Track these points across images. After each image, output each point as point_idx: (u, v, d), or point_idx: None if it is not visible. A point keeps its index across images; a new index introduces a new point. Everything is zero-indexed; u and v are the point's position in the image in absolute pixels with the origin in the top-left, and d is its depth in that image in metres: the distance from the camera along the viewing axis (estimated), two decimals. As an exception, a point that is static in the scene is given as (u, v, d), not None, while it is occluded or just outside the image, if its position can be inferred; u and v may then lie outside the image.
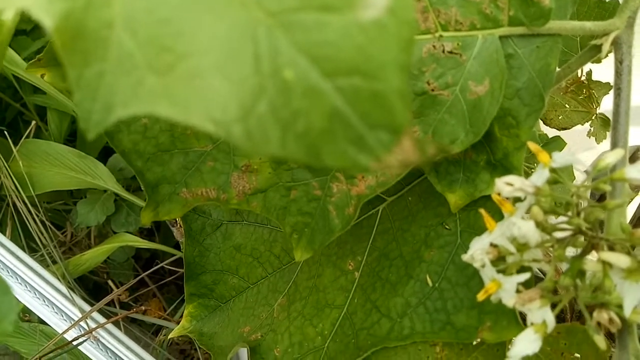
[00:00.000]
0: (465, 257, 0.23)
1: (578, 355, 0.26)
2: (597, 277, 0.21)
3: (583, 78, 0.42)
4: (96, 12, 0.10)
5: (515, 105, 0.25)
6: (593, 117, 0.43)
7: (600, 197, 0.34)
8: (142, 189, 0.26)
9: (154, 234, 0.95)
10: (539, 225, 0.21)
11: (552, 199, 0.22)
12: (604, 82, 0.42)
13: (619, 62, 0.25)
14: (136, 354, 0.73)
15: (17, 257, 0.71)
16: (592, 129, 0.44)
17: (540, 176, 0.21)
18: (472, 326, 0.26)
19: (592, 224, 0.21)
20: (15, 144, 0.76)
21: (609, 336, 0.28)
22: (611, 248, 0.21)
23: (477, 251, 0.23)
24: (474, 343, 0.27)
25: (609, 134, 0.51)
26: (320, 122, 0.10)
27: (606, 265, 0.21)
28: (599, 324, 0.21)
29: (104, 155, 0.83)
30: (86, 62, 0.10)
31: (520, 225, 0.20)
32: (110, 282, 0.94)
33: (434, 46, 0.23)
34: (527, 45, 0.24)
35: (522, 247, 0.22)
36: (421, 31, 0.23)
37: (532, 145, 0.21)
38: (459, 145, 0.24)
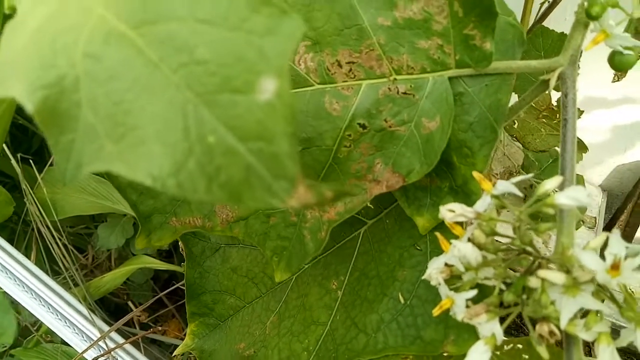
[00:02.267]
0: (425, 276, 0.26)
1: (539, 367, 0.28)
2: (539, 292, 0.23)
3: (554, 105, 0.44)
4: (68, 96, 0.13)
5: (469, 137, 0.27)
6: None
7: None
8: (136, 219, 0.29)
9: (172, 256, 0.98)
10: (482, 246, 0.23)
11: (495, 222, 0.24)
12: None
13: (564, 96, 0.27)
14: (154, 375, 0.75)
15: (41, 280, 0.75)
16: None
17: (483, 202, 0.24)
18: (438, 340, 0.28)
19: (529, 244, 0.23)
20: (40, 172, 0.81)
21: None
22: (552, 266, 0.23)
23: (434, 270, 0.25)
24: (444, 355, 0.29)
25: (585, 155, 0.53)
26: (238, 174, 0.13)
27: (545, 282, 0.23)
28: (541, 336, 0.23)
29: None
30: (61, 132, 0.14)
31: (460, 247, 0.22)
32: (130, 303, 0.97)
33: (389, 88, 0.26)
34: (476, 84, 0.27)
35: (471, 267, 0.24)
36: (377, 75, 0.26)
37: (476, 175, 0.24)
38: (415, 175, 0.26)
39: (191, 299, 0.42)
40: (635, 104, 0.98)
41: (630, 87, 0.93)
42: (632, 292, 0.22)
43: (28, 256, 0.86)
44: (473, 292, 0.24)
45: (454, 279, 0.26)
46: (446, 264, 0.25)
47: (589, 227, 0.99)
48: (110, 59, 0.13)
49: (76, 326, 0.78)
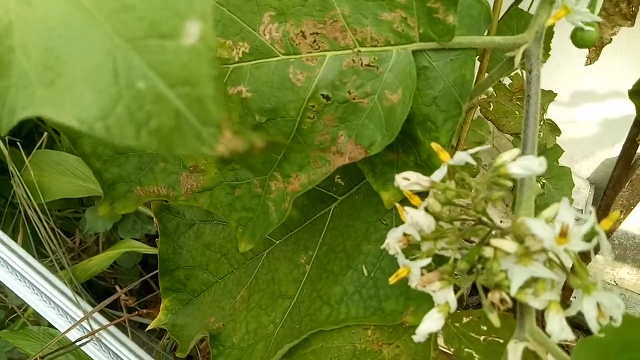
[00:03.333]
0: (383, 245, 0.26)
1: (498, 339, 0.29)
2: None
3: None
4: (2, 41, 0.13)
5: (433, 111, 0.28)
6: (541, 123, 0.45)
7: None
8: (100, 186, 0.29)
9: (160, 240, 0.98)
10: (437, 215, 0.24)
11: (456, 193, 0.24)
12: (547, 90, 0.44)
13: (528, 72, 0.28)
14: (138, 357, 0.76)
15: (27, 262, 0.75)
16: (541, 133, 0.46)
17: (440, 172, 0.24)
18: (399, 311, 0.29)
19: (483, 213, 0.23)
20: (28, 155, 0.81)
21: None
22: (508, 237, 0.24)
23: (392, 240, 0.26)
24: (404, 326, 0.29)
25: (558, 137, 0.53)
26: (169, 121, 0.13)
27: (498, 251, 0.23)
28: (493, 303, 0.23)
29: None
30: (-4, 78, 0.14)
31: (413, 215, 0.23)
32: (117, 287, 0.98)
33: (353, 60, 0.26)
34: (441, 58, 0.27)
35: (427, 236, 0.24)
36: (341, 47, 0.26)
37: (435, 145, 0.24)
38: (377, 147, 0.26)
39: (164, 274, 0.43)
40: (624, 98, 0.99)
41: (619, 81, 0.94)
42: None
43: (15, 239, 0.86)
44: (427, 261, 0.24)
45: (414, 250, 0.26)
46: (404, 234, 0.26)
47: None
48: (43, 4, 0.13)
49: (61, 308, 0.78)
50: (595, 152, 1.16)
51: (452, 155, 0.25)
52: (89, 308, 0.77)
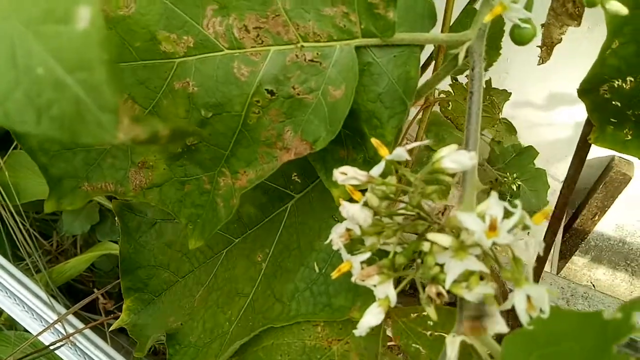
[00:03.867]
0: (327, 241, 0.26)
1: (444, 334, 0.29)
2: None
3: (484, 86, 0.45)
4: None
5: (378, 107, 0.28)
6: (497, 122, 0.46)
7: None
8: (46, 182, 0.29)
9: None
10: (375, 210, 0.24)
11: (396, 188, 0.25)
12: (501, 89, 0.45)
13: (471, 69, 0.28)
14: (113, 360, 0.75)
15: (1, 266, 0.74)
16: (498, 132, 0.46)
17: (378, 167, 0.24)
18: (347, 307, 0.29)
19: (418, 207, 0.24)
20: (2, 157, 0.80)
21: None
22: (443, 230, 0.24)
23: (335, 235, 0.26)
24: (353, 322, 0.29)
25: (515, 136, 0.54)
26: (70, 108, 0.13)
27: (434, 245, 0.23)
28: (429, 297, 0.24)
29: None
30: None
31: (348, 208, 0.23)
32: (96, 291, 0.97)
33: (296, 55, 0.26)
34: (384, 55, 0.27)
35: (367, 231, 0.25)
36: (284, 42, 0.26)
37: (374, 141, 0.24)
38: (321, 143, 0.27)
39: (126, 273, 0.42)
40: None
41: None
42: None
43: None
44: (367, 255, 0.24)
45: (358, 245, 0.26)
46: (347, 229, 0.26)
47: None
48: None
49: (35, 311, 0.77)
50: (570, 155, 1.17)
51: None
52: (64, 311, 0.76)
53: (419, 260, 0.25)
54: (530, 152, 0.93)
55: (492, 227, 0.22)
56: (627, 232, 1.26)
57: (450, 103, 0.45)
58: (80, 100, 0.13)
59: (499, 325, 0.23)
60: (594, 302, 0.59)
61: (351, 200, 0.32)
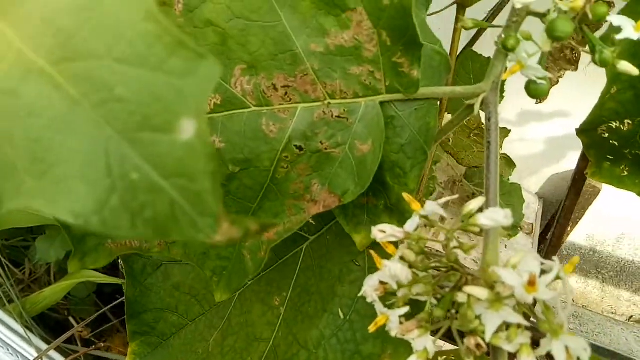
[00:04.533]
0: (361, 293, 0.27)
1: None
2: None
3: (483, 124, 0.47)
4: (-16, 132, 0.13)
5: (401, 158, 0.29)
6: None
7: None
8: (69, 241, 0.28)
9: (116, 268, 0.95)
10: (412, 265, 0.24)
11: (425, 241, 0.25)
12: (501, 127, 0.47)
13: (487, 120, 0.29)
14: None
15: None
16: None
17: (412, 222, 0.25)
18: (376, 354, 0.29)
19: (455, 263, 0.24)
20: None
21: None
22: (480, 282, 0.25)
23: (369, 288, 0.26)
24: (381, 369, 0.30)
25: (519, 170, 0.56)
26: (164, 210, 0.13)
27: (471, 297, 0.24)
28: (468, 348, 0.24)
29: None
30: (-21, 168, 0.13)
31: (391, 267, 0.23)
32: (71, 319, 0.93)
33: (324, 112, 0.27)
34: (406, 108, 0.28)
35: (403, 284, 0.25)
36: (312, 99, 0.27)
37: (406, 196, 0.25)
38: (350, 196, 0.27)
39: (132, 318, 0.42)
40: (568, 117, 1.04)
41: (562, 102, 0.99)
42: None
43: None
44: (405, 309, 0.25)
45: (389, 296, 0.27)
46: (380, 282, 0.26)
47: (527, 233, 1.05)
48: (29, 95, 0.13)
49: (10, 346, 0.74)
50: (541, 169, 1.22)
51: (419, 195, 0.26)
52: (42, 344, 0.73)
53: (453, 311, 0.26)
54: (505, 169, 0.96)
55: (532, 283, 0.22)
56: (597, 242, 1.31)
57: (450, 139, 0.47)
58: (175, 204, 0.13)
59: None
60: (584, 320, 0.62)
61: (374, 246, 0.32)
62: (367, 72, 0.26)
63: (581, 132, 0.36)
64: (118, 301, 0.89)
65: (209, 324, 0.39)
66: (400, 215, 0.30)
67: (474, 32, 0.51)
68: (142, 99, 0.13)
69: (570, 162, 1.15)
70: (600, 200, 1.23)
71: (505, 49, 0.26)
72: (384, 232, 0.24)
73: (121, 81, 0.13)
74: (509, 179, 1.04)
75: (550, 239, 0.45)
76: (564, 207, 0.43)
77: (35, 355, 0.69)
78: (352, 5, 0.24)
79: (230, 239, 0.13)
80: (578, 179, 0.42)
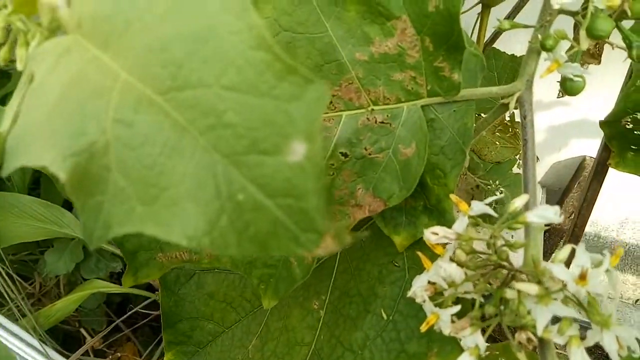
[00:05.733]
0: (409, 294, 0.27)
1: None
2: (516, 303, 0.25)
3: (507, 120, 0.48)
4: (97, 160, 0.14)
5: (441, 160, 0.29)
6: (520, 152, 0.49)
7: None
8: (123, 257, 0.29)
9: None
10: (463, 264, 0.25)
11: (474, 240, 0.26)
12: None
13: (523, 118, 0.30)
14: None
15: (-17, 316, 0.70)
16: (519, 161, 0.49)
17: (461, 223, 0.26)
18: (422, 353, 0.30)
19: (506, 260, 0.25)
20: None
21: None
22: (525, 278, 0.25)
23: (418, 288, 0.27)
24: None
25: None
26: (266, 227, 0.14)
27: (520, 293, 0.25)
28: (520, 343, 0.25)
29: (70, 202, 0.83)
30: (89, 195, 0.14)
31: (445, 267, 0.24)
32: (82, 330, 0.93)
33: (367, 118, 0.27)
34: (445, 110, 0.29)
35: (453, 283, 0.26)
36: (356, 107, 0.27)
37: (453, 197, 0.26)
38: (395, 199, 0.28)
39: (167, 327, 0.42)
40: (568, 106, 1.06)
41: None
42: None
43: None
44: (457, 308, 0.26)
45: (436, 296, 0.28)
46: (429, 282, 0.27)
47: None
48: (141, 125, 0.13)
49: (28, 360, 0.74)
50: (544, 157, 1.23)
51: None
52: (57, 357, 0.73)
53: (501, 307, 0.26)
54: (509, 161, 0.97)
55: (582, 277, 0.23)
56: (601, 227, 1.33)
57: (472, 136, 0.47)
58: (278, 221, 0.14)
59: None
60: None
61: (414, 245, 0.33)
62: (409, 77, 0.27)
63: (604, 124, 0.37)
64: (131, 312, 0.89)
65: (246, 330, 0.40)
66: (440, 215, 0.31)
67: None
68: (251, 124, 0.13)
69: (571, 150, 1.17)
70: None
71: (543, 49, 0.27)
72: (437, 234, 0.25)
73: (230, 107, 0.13)
74: (512, 170, 1.05)
75: (572, 229, 0.46)
76: (585, 197, 0.44)
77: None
78: (397, 14, 0.25)
79: (329, 250, 0.14)
80: (600, 170, 0.43)
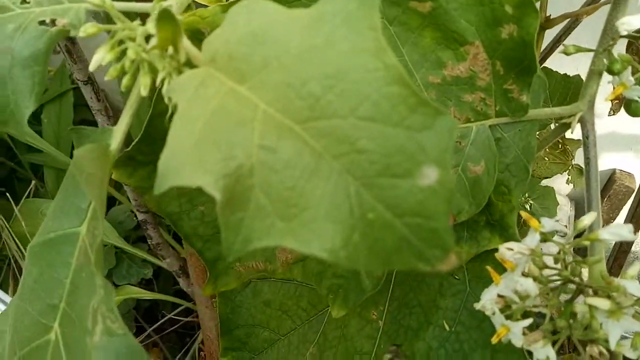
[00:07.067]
0: (478, 306, 0.28)
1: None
2: (586, 317, 0.26)
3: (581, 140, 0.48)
4: (242, 182, 0.15)
5: (507, 177, 0.30)
6: (570, 168, 0.49)
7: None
8: (205, 266, 0.30)
9: (152, 283, 0.96)
10: (536, 279, 0.26)
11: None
12: (575, 139, 0.48)
13: (585, 137, 0.31)
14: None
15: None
16: (569, 177, 0.50)
17: (532, 239, 0.27)
18: (486, 363, 0.31)
19: (576, 275, 0.26)
20: (9, 202, 0.78)
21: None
22: (595, 293, 0.26)
23: (488, 301, 0.28)
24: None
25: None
26: (391, 243, 0.15)
27: (592, 307, 0.26)
28: (591, 356, 0.26)
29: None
30: (232, 212, 0.15)
31: (522, 282, 0.25)
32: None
33: (438, 137, 0.29)
34: (511, 130, 0.30)
35: (525, 296, 0.27)
36: (427, 126, 0.29)
37: (524, 214, 0.27)
38: (465, 215, 0.29)
39: (224, 334, 0.43)
40: (598, 119, 1.05)
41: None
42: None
43: (5, 291, 0.83)
44: (529, 321, 0.27)
45: (504, 308, 0.29)
46: (498, 295, 0.28)
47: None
48: (284, 150, 0.15)
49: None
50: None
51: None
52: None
53: (570, 321, 0.27)
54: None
55: (655, 292, 0.24)
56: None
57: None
58: (403, 238, 0.15)
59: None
60: None
61: (476, 259, 0.34)
62: (479, 99, 0.28)
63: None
64: (164, 319, 0.90)
65: (302, 338, 0.41)
66: (502, 230, 0.32)
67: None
68: (383, 150, 0.15)
69: (601, 163, 1.16)
70: (633, 199, 1.23)
71: (610, 72, 0.28)
72: (512, 249, 0.26)
73: (363, 135, 0.15)
74: (541, 183, 1.05)
75: (620, 244, 0.47)
76: (635, 213, 0.44)
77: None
78: (470, 40, 0.26)
79: (448, 266, 0.15)
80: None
